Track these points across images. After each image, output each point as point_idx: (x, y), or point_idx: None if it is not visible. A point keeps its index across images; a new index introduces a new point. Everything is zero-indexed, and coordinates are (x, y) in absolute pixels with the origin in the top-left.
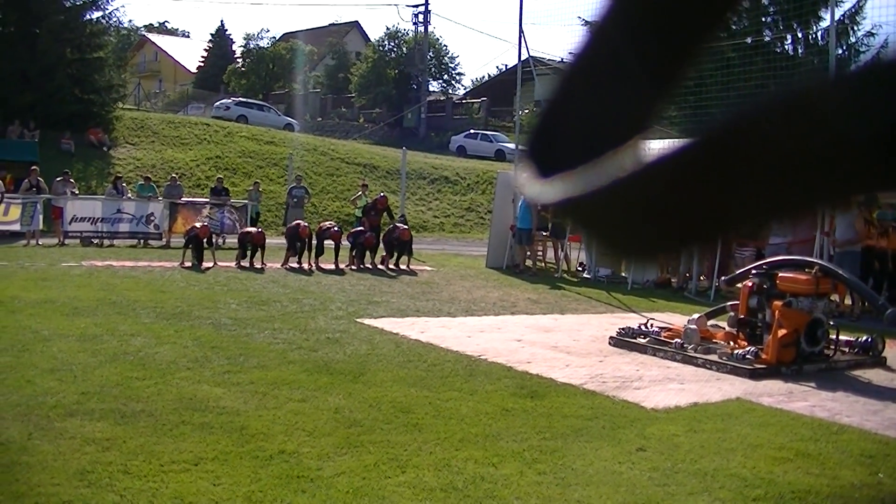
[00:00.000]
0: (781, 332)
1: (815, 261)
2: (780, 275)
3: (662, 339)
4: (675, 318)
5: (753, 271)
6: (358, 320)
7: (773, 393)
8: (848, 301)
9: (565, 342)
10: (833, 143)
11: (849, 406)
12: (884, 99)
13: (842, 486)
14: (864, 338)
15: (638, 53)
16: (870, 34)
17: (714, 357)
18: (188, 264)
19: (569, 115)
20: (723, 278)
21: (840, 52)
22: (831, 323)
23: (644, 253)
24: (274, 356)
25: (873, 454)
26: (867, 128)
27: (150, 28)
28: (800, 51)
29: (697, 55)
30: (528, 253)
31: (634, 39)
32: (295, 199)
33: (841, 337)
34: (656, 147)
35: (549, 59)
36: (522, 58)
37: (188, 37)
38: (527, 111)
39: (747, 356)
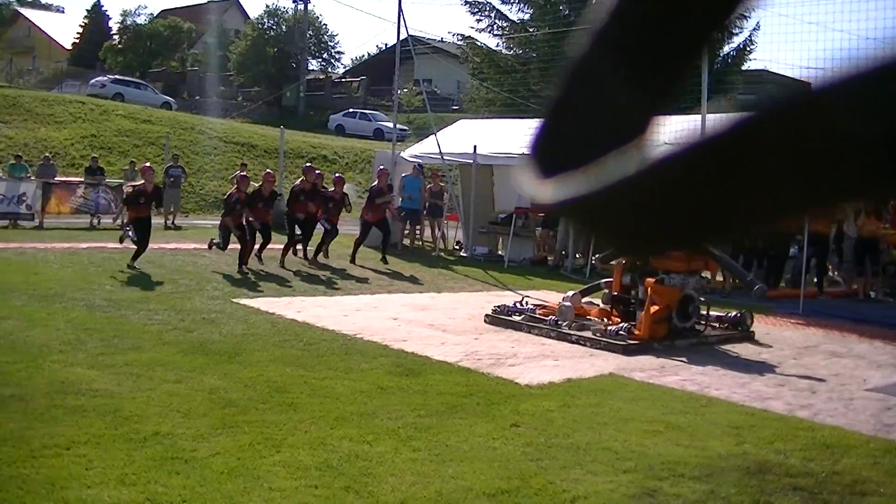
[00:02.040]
0: (654, 308)
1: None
2: None
3: (537, 316)
4: (550, 296)
5: None
6: (234, 300)
7: (645, 368)
8: (719, 277)
9: (441, 320)
10: (843, 144)
11: (718, 379)
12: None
13: (709, 457)
14: (734, 313)
15: (641, 52)
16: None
17: (588, 333)
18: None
19: (573, 114)
20: (597, 256)
21: None
22: (702, 299)
23: (649, 250)
24: (149, 337)
25: (740, 425)
26: (878, 129)
27: (22, 2)
28: None
29: (699, 54)
30: (406, 231)
31: (637, 38)
32: (172, 179)
33: (712, 312)
34: (662, 146)
35: (428, 39)
36: (402, 37)
37: (63, 12)
38: (405, 90)
39: (620, 332)
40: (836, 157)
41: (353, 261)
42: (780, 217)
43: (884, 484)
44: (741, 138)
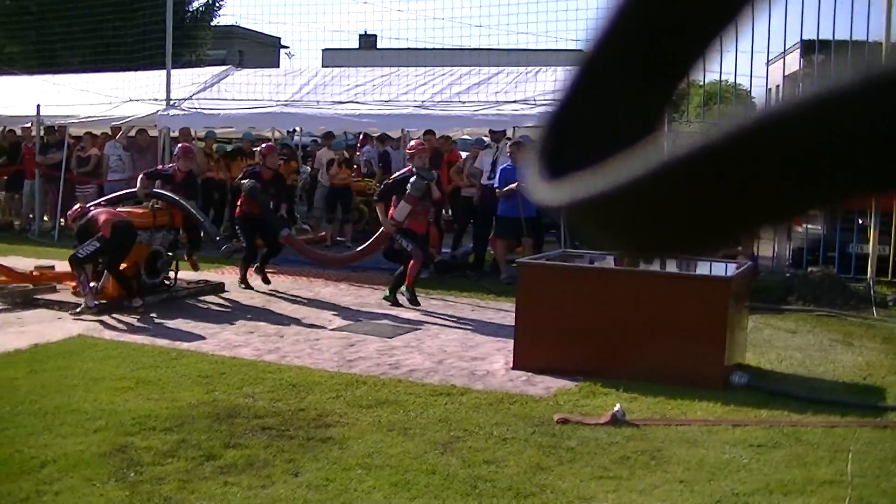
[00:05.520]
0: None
1: (160, 192)
2: (119, 209)
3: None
4: (20, 262)
5: (92, 208)
6: None
7: (115, 326)
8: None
9: None
10: (844, 145)
11: (188, 332)
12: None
13: (180, 407)
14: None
15: (649, 52)
16: None
17: (54, 297)
18: None
19: (580, 115)
20: (69, 213)
21: None
22: (171, 254)
23: (657, 251)
24: None
25: (210, 374)
26: (878, 129)
27: None
28: None
29: (706, 55)
30: None
31: (645, 39)
32: None
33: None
34: (670, 146)
35: None
36: None
37: None
38: None
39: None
40: (841, 159)
41: None
42: (789, 217)
43: (345, 414)
44: (751, 141)
